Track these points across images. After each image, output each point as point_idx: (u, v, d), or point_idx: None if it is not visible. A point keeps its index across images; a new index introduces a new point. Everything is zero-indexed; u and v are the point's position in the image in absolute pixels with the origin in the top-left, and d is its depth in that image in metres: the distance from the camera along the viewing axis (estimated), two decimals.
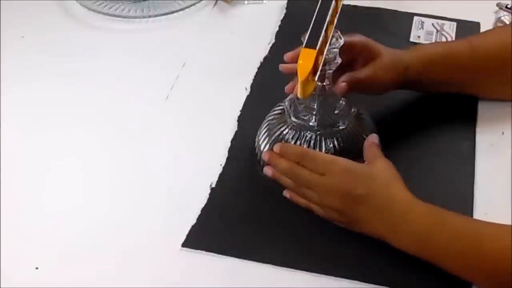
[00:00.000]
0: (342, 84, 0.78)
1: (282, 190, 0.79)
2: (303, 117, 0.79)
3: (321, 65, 0.70)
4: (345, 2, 0.78)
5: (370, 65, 0.82)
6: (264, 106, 0.85)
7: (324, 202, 0.75)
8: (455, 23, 1.05)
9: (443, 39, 1.02)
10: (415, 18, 1.07)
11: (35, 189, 0.83)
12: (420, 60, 0.84)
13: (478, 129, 0.88)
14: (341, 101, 0.80)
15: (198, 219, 0.77)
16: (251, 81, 0.96)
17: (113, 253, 0.75)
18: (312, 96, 0.77)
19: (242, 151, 0.86)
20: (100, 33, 1.07)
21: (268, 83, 0.95)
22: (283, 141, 0.79)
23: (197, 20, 1.10)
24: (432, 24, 1.06)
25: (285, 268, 0.73)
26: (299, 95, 0.70)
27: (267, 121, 0.83)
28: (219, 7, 1.12)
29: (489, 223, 0.70)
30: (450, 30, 1.04)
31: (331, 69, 0.76)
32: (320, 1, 0.72)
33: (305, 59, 0.68)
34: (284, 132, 0.80)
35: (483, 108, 0.90)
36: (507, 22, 1.04)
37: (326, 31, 0.70)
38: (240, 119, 0.90)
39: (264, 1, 1.13)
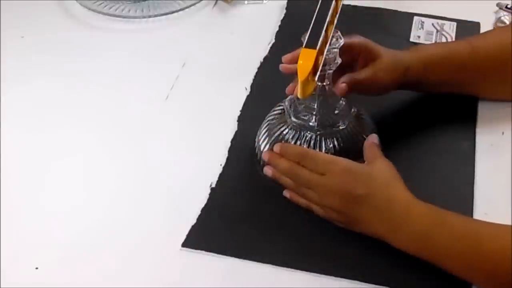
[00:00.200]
0: (342, 85, 0.78)
1: (282, 190, 0.79)
2: (303, 117, 0.79)
3: (321, 65, 0.70)
4: (345, 2, 0.78)
5: (370, 66, 0.81)
6: (264, 106, 0.85)
7: (324, 202, 0.75)
8: (455, 23, 1.05)
9: (443, 39, 1.02)
10: (415, 18, 1.07)
11: (35, 189, 0.83)
12: (420, 61, 0.84)
13: (478, 129, 0.88)
14: (341, 101, 0.80)
15: (198, 219, 0.77)
16: (251, 81, 0.96)
17: (113, 253, 0.75)
18: (312, 96, 0.77)
19: (242, 151, 0.86)
20: (100, 33, 1.07)
21: (268, 83, 0.95)
22: (283, 141, 0.79)
23: (197, 20, 1.10)
24: (432, 24, 1.06)
25: (285, 268, 0.73)
26: (299, 95, 0.70)
27: (267, 121, 0.83)
28: (219, 7, 1.12)
29: (489, 223, 0.70)
30: (450, 30, 1.04)
31: (331, 69, 0.76)
32: (320, 1, 0.72)
33: (305, 59, 0.68)
34: (284, 132, 0.80)
35: (483, 108, 0.90)
36: (507, 22, 1.04)
37: (326, 31, 0.70)
38: (240, 119, 0.90)
39: (264, 1, 1.13)
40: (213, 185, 0.81)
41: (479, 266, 0.68)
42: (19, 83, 0.98)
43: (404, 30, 1.04)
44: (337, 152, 0.78)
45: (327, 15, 0.71)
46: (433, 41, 1.02)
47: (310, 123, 0.79)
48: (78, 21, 1.10)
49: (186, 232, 0.76)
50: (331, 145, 0.78)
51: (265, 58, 1.00)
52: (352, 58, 0.82)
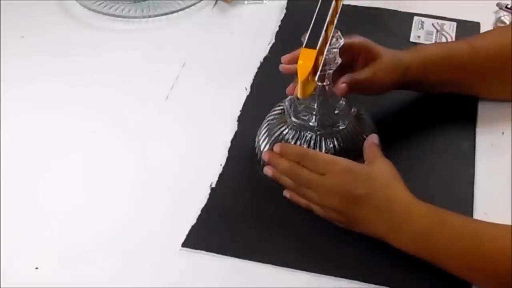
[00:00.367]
0: (342, 85, 0.78)
1: (282, 190, 0.79)
2: (303, 117, 0.79)
3: (321, 65, 0.70)
4: (345, 2, 0.78)
5: (370, 67, 0.81)
6: (264, 106, 0.85)
7: (324, 202, 0.75)
8: (455, 23, 1.05)
9: (443, 39, 1.02)
10: (415, 18, 1.07)
11: (35, 188, 0.83)
12: (420, 61, 0.84)
13: (478, 129, 0.88)
14: (341, 101, 0.80)
15: (198, 219, 0.77)
16: (251, 81, 0.96)
17: (113, 253, 0.75)
18: (312, 96, 0.77)
19: (242, 151, 0.86)
20: (100, 33, 1.07)
21: (268, 83, 0.95)
22: (283, 141, 0.79)
23: (197, 20, 1.10)
24: (432, 24, 1.06)
25: (285, 268, 0.73)
26: (299, 95, 0.70)
27: (267, 121, 0.83)
28: (219, 7, 1.12)
29: (489, 223, 0.70)
30: (450, 30, 1.04)
31: (331, 69, 0.76)
32: (320, 1, 0.72)
33: (305, 59, 0.68)
34: (284, 132, 0.80)
35: (483, 108, 0.90)
36: (507, 22, 1.04)
37: (326, 31, 0.70)
38: (240, 119, 0.90)
39: (264, 1, 1.13)
40: (213, 185, 0.81)
41: (479, 266, 0.68)
42: (19, 83, 0.98)
43: (404, 30, 1.04)
44: (337, 152, 0.78)
45: (327, 15, 0.71)
46: (433, 41, 1.02)
47: (310, 123, 0.79)
48: (78, 21, 1.10)
49: (186, 232, 0.76)
50: (331, 145, 0.78)
51: (265, 58, 1.00)
52: (352, 58, 0.82)
